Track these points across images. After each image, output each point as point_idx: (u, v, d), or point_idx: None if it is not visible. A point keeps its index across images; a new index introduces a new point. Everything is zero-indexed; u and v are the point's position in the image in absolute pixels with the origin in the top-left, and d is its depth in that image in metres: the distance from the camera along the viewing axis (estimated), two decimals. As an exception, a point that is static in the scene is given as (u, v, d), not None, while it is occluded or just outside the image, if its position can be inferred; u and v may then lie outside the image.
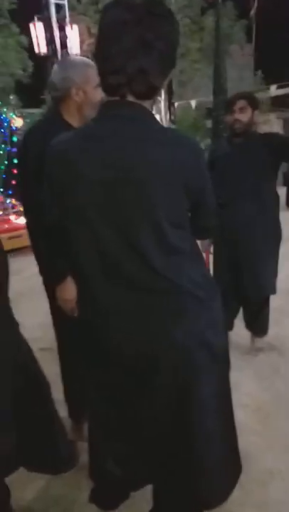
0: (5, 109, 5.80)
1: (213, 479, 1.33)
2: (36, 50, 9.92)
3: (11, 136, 7.99)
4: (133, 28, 1.01)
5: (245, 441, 2.12)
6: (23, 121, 9.09)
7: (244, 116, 2.46)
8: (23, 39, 9.40)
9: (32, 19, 8.10)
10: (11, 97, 9.18)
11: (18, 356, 1.49)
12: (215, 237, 2.75)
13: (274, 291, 2.72)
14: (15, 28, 9.16)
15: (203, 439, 1.27)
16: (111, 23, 1.04)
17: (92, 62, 1.82)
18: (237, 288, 2.70)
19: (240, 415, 2.29)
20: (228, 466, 1.37)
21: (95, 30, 11.98)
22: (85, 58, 1.91)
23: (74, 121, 1.85)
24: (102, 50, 1.06)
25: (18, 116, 9.40)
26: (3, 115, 5.63)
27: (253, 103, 2.49)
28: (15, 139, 7.97)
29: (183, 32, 11.42)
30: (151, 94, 1.10)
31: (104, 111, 1.11)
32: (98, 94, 1.80)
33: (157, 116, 12.19)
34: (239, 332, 2.96)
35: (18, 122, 9.52)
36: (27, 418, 1.54)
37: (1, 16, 8.76)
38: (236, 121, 2.48)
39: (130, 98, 1.08)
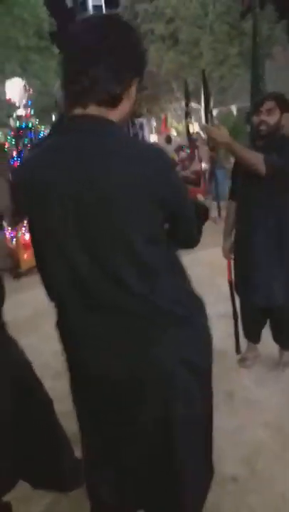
0: (43, 127, 5.97)
1: (194, 495, 1.34)
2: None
3: None
4: (89, 39, 1.03)
5: (262, 462, 2.02)
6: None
7: (271, 119, 2.34)
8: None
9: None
10: (53, 116, 9.54)
11: (16, 374, 1.50)
12: (236, 245, 2.65)
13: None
14: (55, 50, 9.54)
15: (184, 459, 1.24)
16: (70, 35, 1.07)
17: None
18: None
19: (259, 434, 2.19)
20: (205, 477, 1.39)
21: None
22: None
23: None
24: (62, 61, 1.10)
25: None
26: (43, 133, 5.85)
27: (283, 105, 2.36)
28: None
29: (221, 38, 11.33)
30: (113, 102, 1.09)
31: (69, 125, 1.11)
32: None
33: (196, 126, 12.03)
34: (267, 345, 2.83)
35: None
36: (27, 436, 1.55)
37: (42, 39, 9.16)
38: (262, 122, 2.36)
39: (93, 108, 1.08)
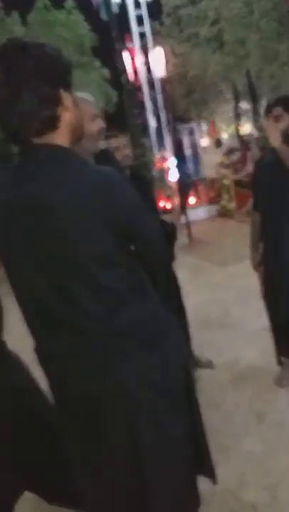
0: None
1: None
2: (123, 80, 10.43)
3: None
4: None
5: (285, 492, 1.89)
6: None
7: (279, 125, 2.23)
8: (106, 72, 10.00)
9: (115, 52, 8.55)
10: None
11: (17, 401, 1.53)
12: (265, 259, 2.52)
13: None
14: (97, 63, 9.78)
15: (155, 489, 1.21)
16: None
17: (85, 96, 1.88)
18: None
19: (286, 461, 2.05)
20: (183, 507, 1.33)
21: (179, 50, 12.25)
22: (77, 93, 1.97)
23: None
24: None
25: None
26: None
27: None
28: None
29: (269, 36, 10.98)
30: (50, 125, 1.08)
31: (21, 157, 1.13)
32: (95, 126, 1.84)
33: (247, 126, 11.73)
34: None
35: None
36: (33, 459, 1.57)
37: (83, 55, 9.43)
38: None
39: (34, 140, 1.08)
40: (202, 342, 3.38)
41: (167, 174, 9.37)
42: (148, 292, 1.23)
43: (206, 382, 2.91)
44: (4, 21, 8.41)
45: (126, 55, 10.56)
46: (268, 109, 2.27)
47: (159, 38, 12.10)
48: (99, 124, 1.85)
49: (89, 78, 8.96)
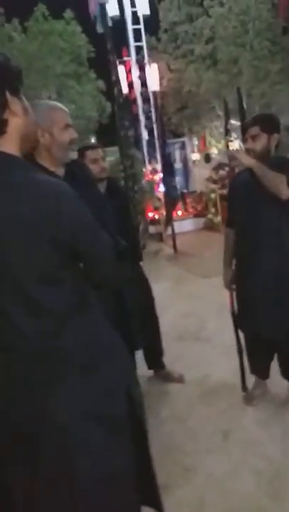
0: (74, 150, 6.08)
1: None
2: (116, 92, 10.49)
3: None
4: None
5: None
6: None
7: (257, 145, 2.21)
8: (100, 83, 10.03)
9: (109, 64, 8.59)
10: (92, 138, 9.80)
11: None
12: (239, 275, 2.46)
13: None
14: (92, 75, 9.81)
15: None
16: None
17: (58, 106, 1.84)
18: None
19: (249, 484, 1.98)
20: None
21: (174, 66, 12.36)
22: (50, 102, 1.93)
23: (47, 163, 1.85)
24: None
25: (98, 155, 9.93)
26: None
27: (268, 127, 2.22)
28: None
29: (262, 55, 11.16)
30: None
31: None
32: (66, 136, 1.80)
33: (236, 143, 11.83)
34: (276, 380, 2.60)
35: (97, 160, 10.08)
36: None
37: (81, 65, 9.47)
38: (248, 151, 2.24)
39: None
40: (175, 355, 3.33)
41: (157, 186, 9.39)
42: (92, 313, 1.17)
43: (174, 397, 2.84)
44: (3, 27, 8.46)
45: (121, 68, 10.63)
46: (245, 129, 2.27)
47: (155, 52, 12.23)
48: (71, 134, 1.81)
49: (84, 89, 8.99)
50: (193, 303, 4.65)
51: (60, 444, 1.08)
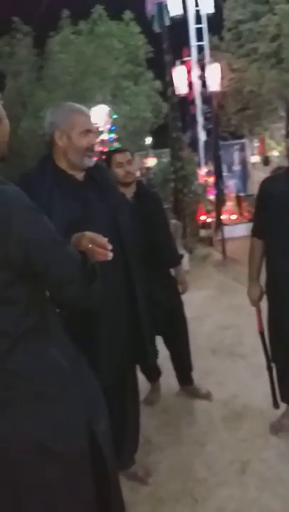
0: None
1: None
2: (177, 92, 10.35)
3: None
4: None
5: None
6: (157, 160, 9.56)
7: None
8: (157, 84, 9.95)
9: (172, 64, 8.48)
10: (146, 139, 9.75)
11: None
12: (272, 290, 2.23)
13: None
14: (149, 75, 9.76)
15: None
16: None
17: (81, 110, 1.78)
18: None
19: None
20: None
21: (236, 65, 11.98)
22: (74, 104, 1.85)
23: (63, 166, 1.80)
24: None
25: (152, 156, 9.90)
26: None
27: None
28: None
29: None
30: None
31: None
32: (84, 141, 1.74)
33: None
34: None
35: (151, 162, 10.04)
36: None
37: (138, 65, 9.46)
38: None
39: None
40: (206, 369, 3.17)
41: (211, 189, 9.16)
42: (50, 337, 1.07)
43: (197, 416, 2.68)
44: (63, 31, 8.66)
45: (182, 68, 10.48)
46: None
47: (217, 52, 11.92)
48: (90, 139, 1.75)
49: (140, 89, 8.97)
50: (234, 315, 4.40)
51: (10, 481, 0.98)
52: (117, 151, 2.63)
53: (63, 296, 1.10)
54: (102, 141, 6.25)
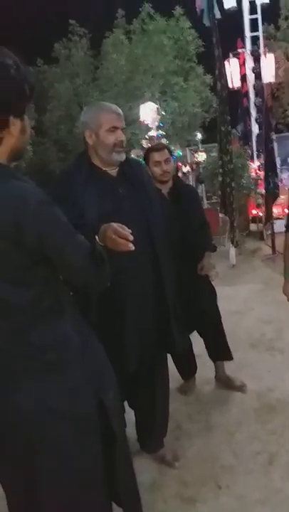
0: (172, 147, 6.15)
1: None
2: (230, 85, 10.18)
3: (176, 171, 8.38)
4: None
5: None
6: (207, 155, 9.47)
7: None
8: (208, 78, 9.85)
9: (225, 57, 8.37)
10: (197, 134, 9.70)
11: None
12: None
13: None
14: (200, 69, 9.68)
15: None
16: None
17: (108, 107, 1.87)
18: None
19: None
20: None
21: (293, 54, 11.55)
22: (103, 103, 1.95)
23: (97, 162, 1.90)
24: None
25: (202, 151, 9.83)
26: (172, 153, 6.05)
27: None
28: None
29: None
30: None
31: None
32: (111, 138, 1.83)
33: None
34: None
35: (201, 157, 9.97)
36: None
37: (189, 61, 9.42)
38: None
39: None
40: (244, 362, 3.17)
41: (262, 182, 8.93)
42: (64, 316, 1.17)
43: (229, 406, 2.70)
44: (117, 29, 8.84)
45: (235, 61, 10.29)
46: None
47: (272, 42, 11.56)
48: (117, 136, 1.84)
49: (188, 84, 8.95)
50: (277, 310, 4.30)
51: (25, 439, 1.10)
52: (154, 149, 2.66)
53: (74, 279, 1.21)
54: (150, 138, 6.32)
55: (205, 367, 2.96)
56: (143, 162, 2.58)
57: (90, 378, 1.19)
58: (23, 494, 1.16)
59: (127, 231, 1.23)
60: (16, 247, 1.03)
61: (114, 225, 1.26)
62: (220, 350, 2.92)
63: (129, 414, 2.18)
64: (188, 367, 2.91)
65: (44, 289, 1.11)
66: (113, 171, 1.92)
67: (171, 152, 2.78)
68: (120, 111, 1.90)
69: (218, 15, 7.60)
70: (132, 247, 1.21)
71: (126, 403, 2.17)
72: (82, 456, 1.16)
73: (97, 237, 1.25)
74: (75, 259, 1.14)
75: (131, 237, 1.22)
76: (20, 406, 1.09)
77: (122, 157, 1.89)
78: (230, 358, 2.93)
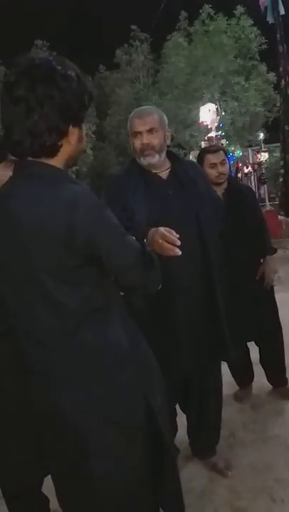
0: (232, 148, 6.05)
1: None
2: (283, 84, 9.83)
3: (236, 172, 8.19)
4: (15, 91, 1.05)
5: None
6: (269, 155, 9.19)
7: None
8: (271, 76, 9.53)
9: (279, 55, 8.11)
10: (259, 134, 9.41)
11: None
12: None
13: None
14: (262, 68, 9.40)
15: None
16: (3, 85, 1.10)
17: (136, 112, 1.93)
18: None
19: None
20: None
21: None
22: (137, 109, 1.99)
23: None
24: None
25: (264, 151, 9.54)
26: (231, 154, 5.93)
27: None
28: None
29: None
30: (49, 152, 1.10)
31: (13, 171, 1.18)
32: (136, 143, 1.87)
33: None
34: None
35: (263, 157, 9.68)
36: None
37: (251, 59, 9.18)
38: None
39: (29, 158, 1.11)
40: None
41: None
42: (114, 318, 1.18)
43: (287, 418, 2.58)
44: (179, 32, 8.86)
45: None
46: None
47: None
48: (140, 140, 1.85)
49: (250, 83, 8.72)
50: None
51: (71, 444, 1.13)
52: (210, 150, 2.62)
53: (124, 281, 1.22)
54: (209, 139, 6.26)
55: (263, 375, 2.86)
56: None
57: (138, 382, 1.18)
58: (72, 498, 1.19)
59: (174, 235, 1.23)
60: (68, 248, 1.05)
61: (162, 229, 1.27)
62: (276, 376, 2.81)
63: (182, 418, 2.17)
64: (244, 374, 2.83)
65: (94, 289, 1.13)
66: (164, 173, 1.92)
67: (226, 153, 2.73)
68: (145, 113, 1.89)
69: (282, 11, 7.41)
70: (178, 252, 1.21)
71: (178, 407, 2.17)
72: (129, 462, 1.16)
73: (145, 240, 1.26)
74: (125, 260, 1.15)
75: (178, 242, 1.22)
76: (66, 409, 1.12)
77: (147, 161, 1.87)
78: (284, 383, 2.81)
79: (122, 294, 1.31)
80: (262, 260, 2.67)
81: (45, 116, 1.06)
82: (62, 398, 1.12)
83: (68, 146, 1.13)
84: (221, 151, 2.60)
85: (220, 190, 2.56)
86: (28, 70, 1.06)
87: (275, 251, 2.78)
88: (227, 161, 2.63)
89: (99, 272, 1.14)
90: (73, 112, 1.11)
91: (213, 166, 2.50)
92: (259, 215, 2.84)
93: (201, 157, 2.62)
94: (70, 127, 1.11)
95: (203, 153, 2.65)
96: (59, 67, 1.07)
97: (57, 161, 1.13)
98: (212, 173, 2.50)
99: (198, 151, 6.43)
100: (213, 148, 2.66)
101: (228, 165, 2.65)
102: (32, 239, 1.05)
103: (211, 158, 2.52)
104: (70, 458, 1.16)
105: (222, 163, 2.52)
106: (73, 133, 1.13)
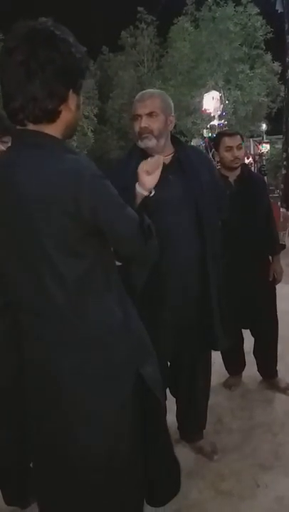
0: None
1: None
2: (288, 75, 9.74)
3: None
4: (16, 57, 1.06)
5: None
6: (271, 146, 9.13)
7: None
8: (276, 66, 9.43)
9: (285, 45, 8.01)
10: (261, 125, 9.35)
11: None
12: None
13: None
14: (267, 57, 9.29)
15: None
16: (1, 52, 1.10)
17: (139, 95, 1.92)
18: None
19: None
20: None
21: None
22: (141, 92, 1.96)
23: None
24: None
25: (266, 142, 9.49)
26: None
27: None
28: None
29: None
30: (50, 117, 1.11)
31: (12, 139, 1.20)
32: (135, 126, 1.87)
33: None
34: None
35: (265, 148, 9.63)
36: None
37: (256, 48, 9.06)
38: None
39: (30, 125, 1.12)
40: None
41: None
42: (111, 292, 1.21)
43: (274, 406, 2.63)
44: (186, 16, 8.72)
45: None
46: None
47: None
48: (139, 123, 1.84)
49: (255, 72, 8.62)
50: None
51: (64, 414, 1.16)
52: (227, 134, 2.60)
53: (124, 251, 1.26)
54: (212, 127, 6.21)
55: (253, 364, 2.89)
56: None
57: (131, 355, 1.22)
58: (57, 470, 1.22)
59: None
60: (73, 220, 1.07)
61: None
62: (267, 367, 2.84)
63: (171, 403, 2.20)
64: (236, 362, 2.85)
65: (96, 261, 1.16)
66: (166, 158, 1.91)
67: (243, 139, 2.71)
68: (147, 96, 1.88)
69: (291, -1, 7.27)
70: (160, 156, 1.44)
71: (168, 391, 2.20)
72: (118, 435, 1.20)
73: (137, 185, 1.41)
74: (126, 231, 1.18)
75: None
76: (61, 379, 1.15)
77: (145, 144, 1.86)
78: (274, 375, 2.84)
79: (120, 264, 1.34)
80: (270, 258, 2.68)
81: (47, 80, 1.07)
82: (62, 363, 1.15)
83: (68, 113, 1.14)
84: (238, 136, 2.59)
85: (232, 177, 2.54)
86: (29, 35, 1.06)
87: (283, 247, 2.77)
88: (243, 146, 2.61)
89: (100, 243, 1.16)
90: (73, 77, 1.12)
91: (229, 149, 2.48)
92: (268, 206, 2.80)
93: (217, 140, 2.60)
94: (70, 92, 1.12)
95: (220, 135, 2.64)
96: (58, 32, 1.09)
97: (56, 129, 1.14)
98: (227, 156, 2.48)
99: (199, 139, 6.36)
100: (231, 132, 2.65)
101: (243, 150, 2.63)
102: (37, 208, 1.06)
103: (228, 141, 2.50)
104: (58, 427, 1.19)
105: (238, 147, 2.51)
106: (73, 98, 1.14)
